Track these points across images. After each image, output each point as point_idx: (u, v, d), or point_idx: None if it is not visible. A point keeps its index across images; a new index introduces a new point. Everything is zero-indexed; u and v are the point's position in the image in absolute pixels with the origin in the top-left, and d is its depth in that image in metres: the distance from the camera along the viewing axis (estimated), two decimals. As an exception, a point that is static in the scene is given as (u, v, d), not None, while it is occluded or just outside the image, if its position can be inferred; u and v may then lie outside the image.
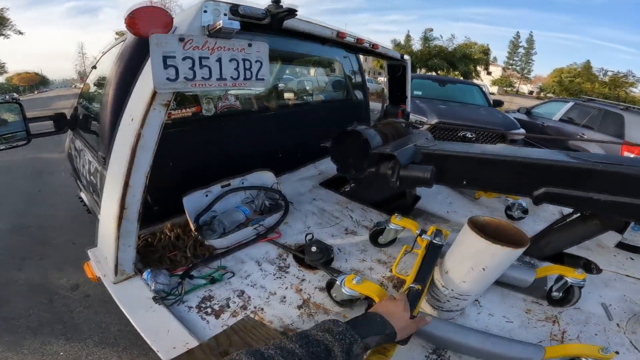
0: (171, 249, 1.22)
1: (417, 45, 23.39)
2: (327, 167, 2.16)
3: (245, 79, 1.01)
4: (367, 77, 2.66)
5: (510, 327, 1.04)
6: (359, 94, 2.90)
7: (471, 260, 0.86)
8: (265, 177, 1.68)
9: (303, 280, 1.17)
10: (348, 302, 1.03)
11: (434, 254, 1.01)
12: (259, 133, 1.96)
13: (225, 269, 1.17)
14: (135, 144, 0.91)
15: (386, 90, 2.62)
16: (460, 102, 5.51)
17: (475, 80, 21.55)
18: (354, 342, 0.63)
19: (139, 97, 0.93)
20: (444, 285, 0.96)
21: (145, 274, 1.05)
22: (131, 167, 0.93)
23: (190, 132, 1.58)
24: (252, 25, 0.99)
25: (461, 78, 19.61)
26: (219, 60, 0.92)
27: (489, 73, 30.15)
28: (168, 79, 0.84)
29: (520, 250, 0.80)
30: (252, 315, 0.99)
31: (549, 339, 1.00)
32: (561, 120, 6.16)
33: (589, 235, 1.37)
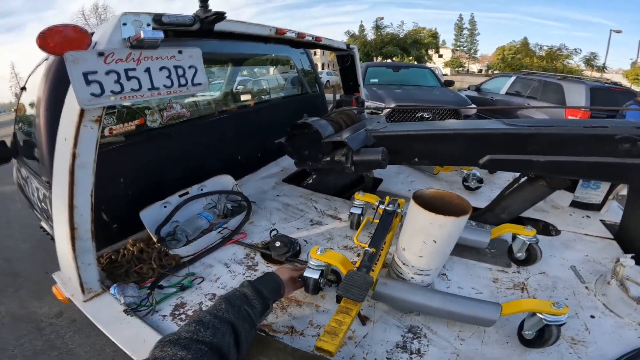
0: (136, 262, 1.20)
1: (370, 35, 23.75)
2: (289, 163, 2.13)
3: (180, 85, 0.98)
4: (328, 69, 2.65)
5: (480, 298, 1.06)
6: (314, 88, 2.89)
7: (421, 234, 0.87)
8: (224, 181, 1.64)
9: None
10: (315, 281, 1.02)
11: (387, 220, 1.04)
12: (215, 138, 1.89)
13: (194, 275, 1.16)
14: (72, 164, 0.87)
15: (339, 81, 2.63)
16: (415, 85, 5.67)
17: (428, 64, 22.32)
18: (255, 288, 0.84)
19: (69, 116, 0.88)
20: (404, 263, 0.98)
21: (112, 289, 1.04)
22: (73, 188, 0.89)
23: (137, 145, 1.49)
24: (182, 32, 0.97)
25: (415, 63, 20.21)
26: (148, 70, 0.89)
27: (440, 56, 31.31)
28: (93, 94, 0.80)
29: (464, 218, 0.83)
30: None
31: None
32: (507, 93, 6.59)
33: (539, 197, 1.45)
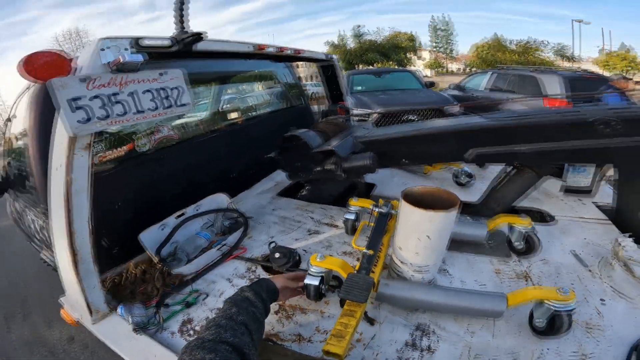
0: (140, 283, 1.22)
1: (351, 43, 24.22)
2: (283, 177, 2.15)
3: (165, 107, 1.00)
4: (313, 81, 2.72)
5: (484, 290, 1.07)
6: (299, 100, 2.94)
7: (414, 231, 0.89)
8: (220, 200, 1.65)
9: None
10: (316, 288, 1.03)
11: (382, 222, 1.07)
12: (206, 158, 1.91)
13: (198, 291, 1.17)
14: (68, 191, 0.88)
15: (325, 91, 2.69)
16: (399, 89, 5.78)
17: (409, 67, 22.78)
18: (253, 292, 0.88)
19: (59, 144, 0.89)
20: (402, 262, 1.00)
21: (119, 310, 1.05)
22: (70, 214, 0.90)
23: (129, 170, 1.50)
24: (163, 54, 0.99)
25: (396, 67, 20.60)
26: (132, 94, 0.91)
27: (419, 58, 32.01)
28: (79, 121, 0.81)
29: (453, 211, 0.85)
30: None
31: None
32: (487, 89, 6.76)
33: (528, 185, 1.48)
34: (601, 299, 1.00)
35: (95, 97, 0.83)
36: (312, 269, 0.99)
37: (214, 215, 1.60)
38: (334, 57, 2.47)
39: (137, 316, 1.03)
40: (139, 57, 0.86)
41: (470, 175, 1.91)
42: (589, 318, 0.93)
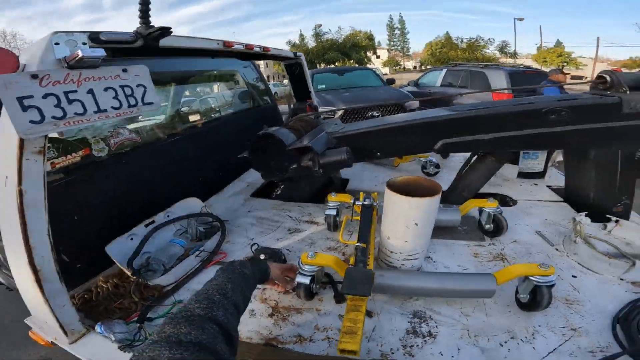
0: (114, 298, 1.15)
1: (311, 42, 24.29)
2: (254, 177, 2.11)
3: (130, 106, 0.92)
4: (274, 81, 2.68)
5: (471, 272, 1.11)
6: (266, 100, 2.89)
7: (402, 219, 0.92)
8: (191, 204, 1.57)
9: (264, 289, 1.13)
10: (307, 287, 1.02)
11: (368, 213, 1.08)
12: (172, 162, 1.80)
13: (182, 302, 1.10)
14: (21, 203, 0.78)
15: (288, 91, 2.67)
16: (360, 87, 5.91)
17: (368, 65, 23.39)
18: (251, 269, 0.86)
19: (5, 149, 0.79)
20: (392, 252, 1.02)
21: (97, 328, 0.97)
22: (26, 229, 0.80)
23: (86, 178, 1.38)
24: (126, 51, 0.92)
25: (357, 65, 21.05)
26: (91, 92, 0.83)
27: (377, 57, 32.98)
28: (32, 122, 0.72)
29: (438, 197, 0.89)
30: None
31: None
32: (442, 85, 7.20)
33: (491, 171, 1.58)
34: (572, 275, 1.08)
35: (49, 94, 0.74)
36: (304, 268, 0.97)
37: (187, 221, 1.52)
38: (302, 55, 2.46)
39: (120, 333, 0.95)
40: (101, 52, 0.79)
41: (437, 166, 2.01)
42: (567, 294, 1.00)
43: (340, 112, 4.44)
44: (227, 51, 1.49)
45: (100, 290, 1.17)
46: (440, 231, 1.33)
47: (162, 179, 1.71)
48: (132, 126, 1.80)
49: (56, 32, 0.75)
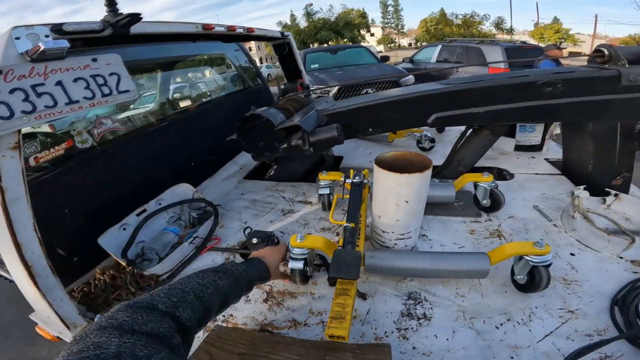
0: (112, 290, 1.14)
1: (303, 22, 23.51)
2: (247, 159, 2.06)
3: (104, 95, 0.89)
4: (267, 63, 2.58)
5: (463, 251, 1.08)
6: (256, 81, 2.79)
7: (393, 197, 0.87)
8: (183, 191, 1.53)
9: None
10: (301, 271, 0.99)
11: (357, 192, 1.04)
12: (161, 148, 1.75)
13: None
14: (3, 200, 0.76)
15: (280, 72, 2.57)
16: (354, 65, 5.74)
17: (362, 44, 22.75)
18: (244, 272, 0.80)
19: None
20: (384, 231, 0.98)
21: (97, 319, 0.96)
22: (12, 226, 0.78)
23: (72, 170, 1.33)
24: (94, 41, 0.88)
25: (350, 44, 20.49)
26: (60, 83, 0.80)
27: (372, 35, 32.06)
28: (1, 117, 0.69)
29: (428, 172, 0.84)
30: (224, 324, 0.93)
31: None
32: (437, 61, 7.02)
33: (486, 145, 1.54)
34: (571, 253, 1.04)
35: (15, 89, 0.72)
36: (293, 252, 0.94)
37: (179, 207, 1.49)
38: (290, 34, 2.35)
39: (121, 322, 0.94)
40: (64, 43, 0.75)
41: (432, 140, 1.97)
42: (565, 274, 0.96)
43: (334, 90, 4.33)
44: (209, 34, 1.42)
45: (98, 282, 1.16)
46: (436, 207, 1.29)
47: (152, 166, 1.67)
48: (122, 115, 1.74)
49: (16, 27, 0.72)
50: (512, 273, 0.92)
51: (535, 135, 1.79)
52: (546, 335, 0.78)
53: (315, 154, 1.26)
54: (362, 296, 0.95)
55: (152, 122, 1.84)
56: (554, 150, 1.85)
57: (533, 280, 0.86)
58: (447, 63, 6.69)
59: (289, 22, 23.78)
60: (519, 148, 1.81)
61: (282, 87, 2.27)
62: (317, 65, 5.72)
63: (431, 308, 0.90)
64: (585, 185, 1.20)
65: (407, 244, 1.00)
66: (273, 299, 1.00)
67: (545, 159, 1.74)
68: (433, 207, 1.27)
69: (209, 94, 2.51)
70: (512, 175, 1.57)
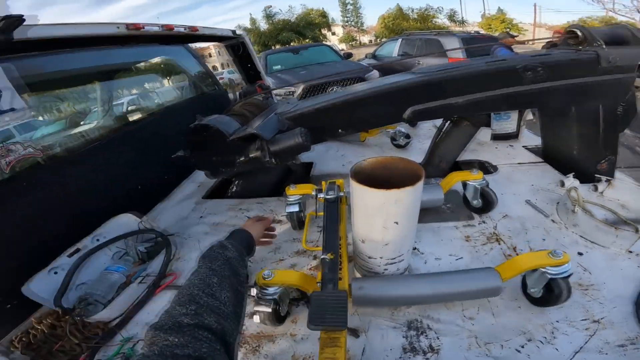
0: (54, 340, 1.01)
1: (263, 25, 23.02)
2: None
3: None
4: (229, 68, 2.33)
5: (463, 264, 0.94)
6: (211, 86, 2.52)
7: (378, 219, 0.69)
8: (125, 221, 1.28)
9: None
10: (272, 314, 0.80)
11: (332, 211, 0.84)
12: (97, 173, 1.47)
13: (132, 339, 0.93)
14: None
15: (240, 73, 2.34)
16: (318, 63, 5.57)
17: (325, 43, 22.64)
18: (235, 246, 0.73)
19: None
20: (370, 257, 0.80)
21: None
22: None
23: None
24: None
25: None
26: None
27: (333, 34, 32.16)
28: None
29: (420, 184, 0.66)
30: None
31: (506, 260, 0.92)
32: (400, 55, 7.09)
33: (468, 137, 1.43)
34: (578, 252, 0.93)
35: None
36: (262, 293, 0.75)
37: (124, 241, 1.24)
38: (243, 33, 2.12)
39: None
40: None
41: (407, 136, 1.83)
42: (579, 277, 0.86)
43: (299, 91, 4.14)
44: (139, 36, 1.18)
45: (36, 332, 1.00)
46: (423, 214, 1.14)
47: (88, 194, 1.39)
48: (36, 137, 1.43)
49: None
50: (524, 285, 0.79)
51: (510, 123, 1.73)
52: (576, 353, 0.66)
53: (280, 165, 1.06)
54: (354, 333, 0.77)
55: (82, 142, 1.53)
56: (528, 137, 1.80)
57: (551, 293, 0.73)
58: (408, 56, 6.77)
59: (249, 26, 23.18)
60: (495, 137, 1.74)
61: (240, 91, 2.04)
62: (279, 67, 5.49)
63: (437, 338, 0.74)
64: (573, 173, 1.13)
65: (400, 267, 0.82)
66: (247, 345, 0.81)
67: (523, 146, 1.68)
68: (420, 214, 1.11)
69: (156, 104, 2.21)
70: (495, 168, 1.46)
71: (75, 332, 0.97)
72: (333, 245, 0.75)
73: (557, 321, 0.74)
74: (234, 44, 2.12)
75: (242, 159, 1.08)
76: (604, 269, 0.87)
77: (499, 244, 1.01)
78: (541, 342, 0.70)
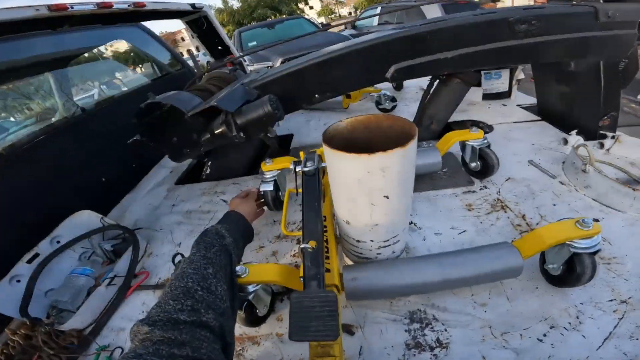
0: (32, 351, 0.95)
1: (236, 3, 21.72)
2: (180, 160, 1.65)
3: None
4: (204, 50, 2.09)
5: (467, 238, 0.83)
6: (177, 65, 2.29)
7: (362, 194, 0.56)
8: (85, 219, 1.14)
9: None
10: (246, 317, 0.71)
11: (312, 186, 0.70)
12: (53, 168, 1.31)
13: (107, 347, 0.86)
14: None
15: (203, 50, 2.12)
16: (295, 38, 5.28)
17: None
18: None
19: None
20: (359, 240, 0.68)
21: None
22: None
23: None
24: None
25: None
26: None
27: (311, 7, 30.80)
28: None
29: (412, 145, 0.52)
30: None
31: (516, 231, 0.81)
32: (379, 24, 6.80)
33: (459, 96, 1.32)
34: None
35: None
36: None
37: (89, 241, 1.12)
38: (204, 5, 1.88)
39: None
40: None
41: (393, 99, 1.71)
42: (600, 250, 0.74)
43: (277, 65, 3.90)
44: (79, 18, 1.00)
45: (13, 344, 0.95)
46: (417, 181, 1.02)
47: (40, 193, 1.23)
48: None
49: None
50: (542, 260, 0.68)
51: (502, 82, 1.62)
52: (605, 339, 0.57)
53: (250, 140, 0.92)
54: (348, 330, 0.67)
55: (26, 137, 1.35)
56: (521, 97, 1.69)
57: (573, 271, 0.62)
58: (389, 25, 6.52)
59: (221, 6, 21.81)
60: (486, 97, 1.62)
61: (207, 64, 1.85)
62: (255, 43, 5.17)
63: (445, 330, 0.64)
64: (577, 130, 1.04)
65: (395, 249, 0.70)
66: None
67: (517, 105, 1.57)
68: (415, 181, 1.01)
69: (112, 90, 1.99)
70: (490, 128, 1.36)
71: (50, 342, 0.91)
72: (314, 230, 0.62)
73: (582, 303, 0.64)
74: (195, 19, 1.88)
75: (206, 137, 0.94)
76: (624, 238, 0.77)
77: (505, 211, 0.90)
78: (565, 328, 0.60)
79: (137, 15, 1.43)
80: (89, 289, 1.02)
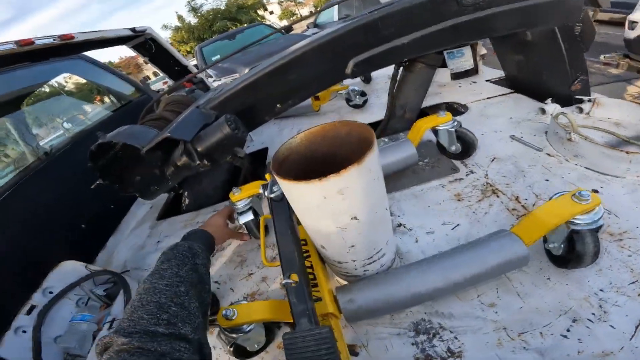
0: None
1: (193, 20, 21.12)
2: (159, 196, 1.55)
3: None
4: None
5: (461, 232, 0.76)
6: (138, 92, 2.17)
7: (327, 219, 0.49)
8: (70, 269, 1.07)
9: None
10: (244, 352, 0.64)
11: (281, 213, 0.64)
12: (21, 220, 1.20)
13: None
14: None
15: (163, 73, 2.01)
16: (258, 44, 5.15)
17: (264, 23, 21.19)
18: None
19: None
20: (340, 262, 0.61)
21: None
22: None
23: None
24: None
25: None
26: None
27: (271, 13, 30.32)
28: None
29: (371, 153, 0.44)
30: None
31: (512, 216, 0.75)
32: (340, 18, 6.70)
33: (426, 80, 1.26)
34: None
35: None
36: (227, 338, 0.59)
37: (80, 288, 1.07)
38: (147, 27, 1.76)
39: None
40: None
41: (363, 94, 1.65)
42: (607, 225, 0.67)
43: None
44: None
45: None
46: (398, 177, 0.96)
47: (18, 246, 1.15)
48: None
49: None
50: (544, 240, 0.62)
51: (466, 59, 1.58)
52: (637, 327, 0.51)
53: (215, 165, 0.84)
54: (352, 352, 0.61)
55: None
56: (488, 72, 1.64)
57: (573, 251, 0.56)
58: (349, 19, 6.42)
59: (178, 24, 21.13)
60: (455, 76, 1.59)
61: (167, 88, 1.74)
62: (218, 56, 5.02)
63: (455, 338, 0.57)
64: (551, 98, 0.99)
65: (383, 263, 0.63)
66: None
67: (487, 80, 1.53)
68: (395, 179, 0.94)
69: (72, 128, 1.85)
70: (466, 107, 1.31)
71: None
72: (292, 259, 0.55)
73: (601, 290, 0.58)
74: (142, 43, 1.76)
75: (170, 170, 0.86)
76: (628, 207, 0.70)
77: (497, 196, 0.83)
78: (590, 320, 0.54)
79: (72, 48, 1.30)
80: (93, 332, 0.98)
